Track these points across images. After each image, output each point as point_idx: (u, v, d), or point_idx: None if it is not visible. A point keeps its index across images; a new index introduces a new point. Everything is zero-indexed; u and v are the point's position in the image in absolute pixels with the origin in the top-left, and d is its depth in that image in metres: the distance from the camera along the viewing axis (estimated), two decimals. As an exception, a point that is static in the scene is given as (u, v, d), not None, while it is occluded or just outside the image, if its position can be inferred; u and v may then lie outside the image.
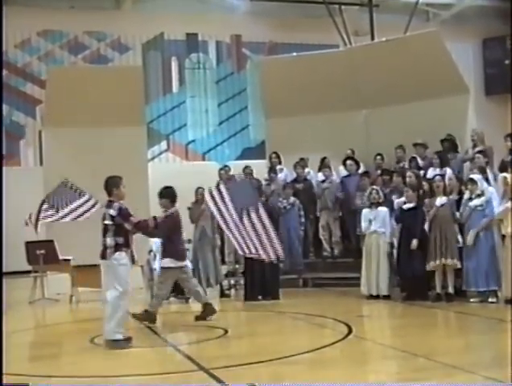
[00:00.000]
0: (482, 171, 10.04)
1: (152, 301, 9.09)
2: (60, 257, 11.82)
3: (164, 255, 8.95)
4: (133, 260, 7.65)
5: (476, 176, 9.67)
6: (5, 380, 5.37)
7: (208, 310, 8.97)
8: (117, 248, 7.44)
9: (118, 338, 7.33)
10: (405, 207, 10.10)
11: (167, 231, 8.75)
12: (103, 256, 7.52)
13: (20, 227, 11.47)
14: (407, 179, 10.60)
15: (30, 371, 6.44)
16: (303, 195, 12.52)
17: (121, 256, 7.44)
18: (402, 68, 12.67)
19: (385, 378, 5.74)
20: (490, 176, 10.20)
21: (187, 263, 9.35)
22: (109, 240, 7.46)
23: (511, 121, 11.68)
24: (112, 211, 7.50)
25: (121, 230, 7.50)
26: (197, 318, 8.93)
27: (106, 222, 7.55)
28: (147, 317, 8.82)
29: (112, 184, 7.70)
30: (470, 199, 9.49)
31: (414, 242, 9.80)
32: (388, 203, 10.75)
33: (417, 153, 12.19)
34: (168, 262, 8.87)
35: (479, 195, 9.41)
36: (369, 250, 10.45)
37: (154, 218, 8.11)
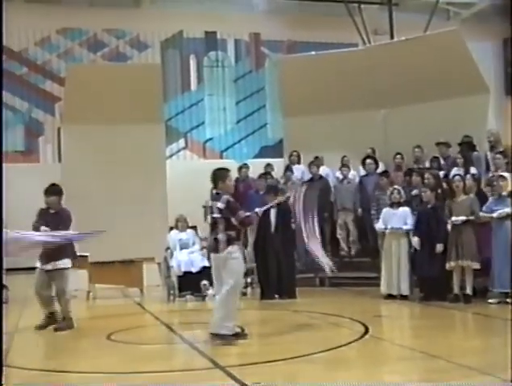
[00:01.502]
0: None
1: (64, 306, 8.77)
2: (78, 253, 11.86)
3: (65, 255, 8.61)
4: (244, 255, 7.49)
5: (507, 173, 9.60)
6: (20, 375, 5.40)
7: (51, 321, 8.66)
8: (230, 241, 7.27)
9: (224, 333, 7.16)
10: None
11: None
12: (215, 250, 7.37)
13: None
14: (426, 180, 10.54)
15: (47, 367, 6.48)
16: (319, 193, 12.45)
17: (234, 250, 7.27)
18: (421, 67, 12.59)
19: (401, 379, 5.70)
20: None
21: None
22: (221, 235, 7.27)
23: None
24: (220, 204, 7.31)
25: (231, 223, 7.29)
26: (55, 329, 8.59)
27: (215, 215, 7.38)
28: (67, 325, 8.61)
29: (218, 176, 7.51)
30: (499, 196, 9.40)
31: (439, 247, 9.74)
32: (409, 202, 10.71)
33: (439, 153, 12.12)
34: (68, 263, 8.67)
35: (509, 195, 9.33)
36: (389, 249, 10.40)
37: (256, 214, 7.76)
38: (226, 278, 7.24)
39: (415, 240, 9.91)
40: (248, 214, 7.45)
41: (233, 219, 7.28)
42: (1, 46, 12.38)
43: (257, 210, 7.68)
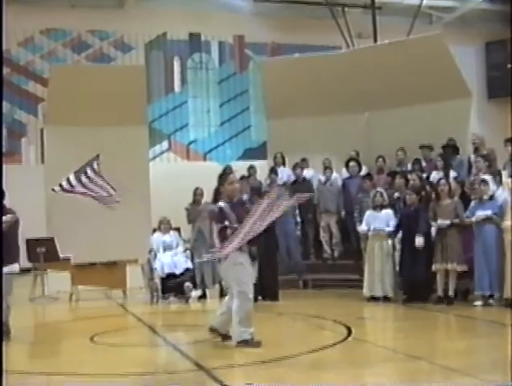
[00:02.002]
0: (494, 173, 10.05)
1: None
2: (61, 255, 11.84)
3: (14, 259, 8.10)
4: (253, 258, 7.32)
5: (488, 177, 9.67)
6: (5, 377, 5.37)
7: None
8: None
9: (246, 338, 7.04)
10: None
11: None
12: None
13: (21, 225, 11.47)
14: (411, 182, 10.59)
15: (30, 369, 6.45)
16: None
17: (236, 256, 7.08)
18: (404, 71, 12.66)
19: (384, 380, 5.73)
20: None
21: None
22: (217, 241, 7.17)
23: (511, 125, 11.65)
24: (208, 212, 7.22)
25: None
26: None
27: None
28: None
29: (221, 179, 7.46)
30: (480, 200, 9.47)
31: (420, 239, 9.76)
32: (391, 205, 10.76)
33: (422, 155, 12.20)
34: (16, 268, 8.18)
35: (490, 198, 9.40)
36: (371, 251, 10.45)
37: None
38: (234, 286, 7.14)
39: (420, 240, 9.85)
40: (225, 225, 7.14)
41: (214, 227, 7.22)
42: (1, 46, 12.36)
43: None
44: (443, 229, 9.61)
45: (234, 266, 7.11)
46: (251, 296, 7.21)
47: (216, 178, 7.54)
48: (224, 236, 7.07)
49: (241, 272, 7.16)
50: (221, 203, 7.23)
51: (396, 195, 10.94)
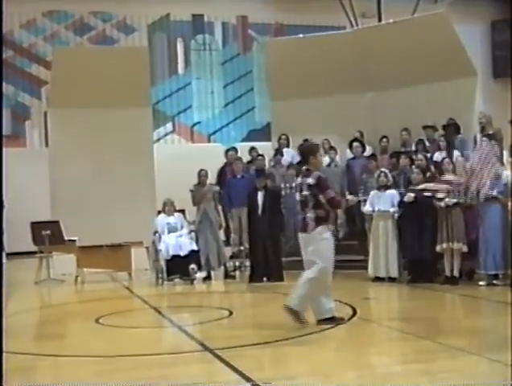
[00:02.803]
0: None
1: None
2: (66, 238, 11.86)
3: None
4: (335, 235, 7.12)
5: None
6: (10, 359, 5.39)
7: None
8: (319, 221, 6.98)
9: (330, 316, 6.96)
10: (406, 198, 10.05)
11: None
12: (303, 229, 7.10)
13: (26, 208, 11.51)
14: (417, 162, 10.55)
15: (35, 351, 6.48)
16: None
17: (324, 230, 6.99)
18: (409, 50, 12.59)
19: (388, 360, 5.75)
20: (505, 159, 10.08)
21: None
22: (310, 214, 7.00)
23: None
24: (311, 180, 7.01)
25: (320, 202, 7.00)
26: None
27: (304, 192, 7.10)
28: None
29: (309, 151, 7.24)
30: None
31: (410, 195, 9.83)
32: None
33: (426, 136, 12.15)
34: None
35: (496, 178, 9.36)
36: (376, 232, 10.44)
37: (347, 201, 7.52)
38: (314, 259, 6.99)
39: (410, 195, 9.89)
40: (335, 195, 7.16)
41: (321, 196, 6.99)
42: (1, 43, 12.38)
43: (348, 197, 7.50)
44: (447, 209, 9.58)
45: (320, 241, 6.98)
46: (331, 271, 7.12)
47: (299, 152, 7.48)
48: (336, 204, 7.15)
49: (327, 247, 7.06)
50: (319, 173, 7.11)
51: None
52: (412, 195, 9.85)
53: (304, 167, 7.24)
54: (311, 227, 7.01)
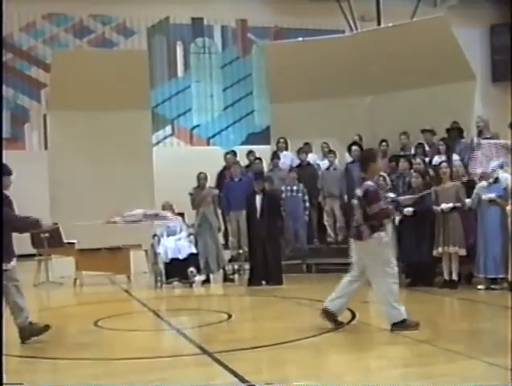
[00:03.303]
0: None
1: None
2: (65, 241, 11.86)
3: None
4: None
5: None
6: (9, 362, 5.39)
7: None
8: (373, 228, 6.80)
9: (402, 318, 6.81)
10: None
11: None
12: (358, 238, 6.91)
13: (24, 211, 11.48)
14: (415, 166, 10.55)
15: (33, 354, 6.47)
16: (306, 180, 12.51)
17: (380, 236, 6.81)
18: (408, 54, 12.60)
19: (387, 363, 5.74)
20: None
21: None
22: (362, 224, 6.81)
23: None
24: (359, 191, 6.88)
25: (367, 214, 6.80)
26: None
27: (354, 201, 7.01)
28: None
29: (369, 157, 7.04)
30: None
31: (409, 209, 9.79)
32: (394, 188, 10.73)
33: (424, 140, 12.16)
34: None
35: (495, 181, 9.36)
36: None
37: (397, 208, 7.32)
38: (379, 267, 6.81)
39: (409, 209, 9.85)
40: (384, 206, 6.89)
41: (368, 209, 6.76)
42: (1, 43, 12.40)
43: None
44: (444, 213, 9.59)
45: (380, 246, 6.83)
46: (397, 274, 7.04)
47: (360, 159, 7.32)
48: (382, 217, 6.88)
49: (388, 252, 6.98)
50: (370, 183, 6.88)
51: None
52: (411, 209, 9.84)
53: (362, 175, 7.06)
54: (366, 234, 6.82)
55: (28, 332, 6.84)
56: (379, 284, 6.86)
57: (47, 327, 6.97)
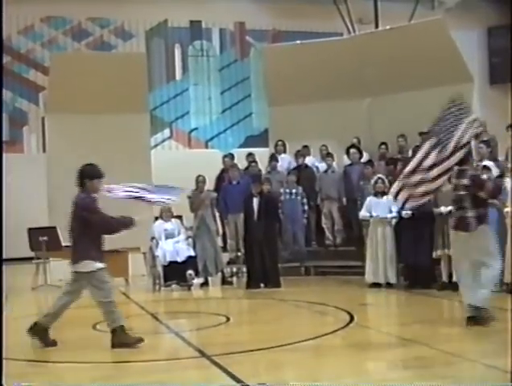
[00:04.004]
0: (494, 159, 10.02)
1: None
2: (63, 244, 11.84)
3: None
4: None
5: (490, 163, 9.63)
6: (8, 365, 5.39)
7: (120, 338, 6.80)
8: (481, 219, 6.89)
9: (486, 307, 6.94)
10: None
11: None
12: (464, 229, 6.93)
13: (23, 214, 11.48)
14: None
15: (31, 357, 6.47)
16: (304, 182, 12.53)
17: (486, 228, 6.93)
18: (406, 57, 12.61)
19: (386, 366, 5.75)
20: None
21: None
22: (470, 213, 6.88)
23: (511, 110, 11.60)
24: (465, 181, 6.97)
25: (479, 200, 6.92)
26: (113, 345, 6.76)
27: (461, 192, 7.02)
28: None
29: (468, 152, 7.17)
30: None
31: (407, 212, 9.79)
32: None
33: (422, 142, 12.15)
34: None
35: None
36: (373, 238, 10.44)
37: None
38: (485, 259, 6.88)
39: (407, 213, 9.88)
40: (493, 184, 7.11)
41: (481, 194, 6.90)
42: (1, 44, 12.43)
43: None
44: (443, 215, 9.59)
45: (486, 239, 6.94)
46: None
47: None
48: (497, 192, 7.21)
49: (493, 243, 7.06)
50: (473, 172, 7.14)
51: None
52: (410, 212, 9.85)
53: (456, 168, 7.13)
54: (473, 225, 6.90)
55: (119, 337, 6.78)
56: (494, 275, 7.00)
57: None
